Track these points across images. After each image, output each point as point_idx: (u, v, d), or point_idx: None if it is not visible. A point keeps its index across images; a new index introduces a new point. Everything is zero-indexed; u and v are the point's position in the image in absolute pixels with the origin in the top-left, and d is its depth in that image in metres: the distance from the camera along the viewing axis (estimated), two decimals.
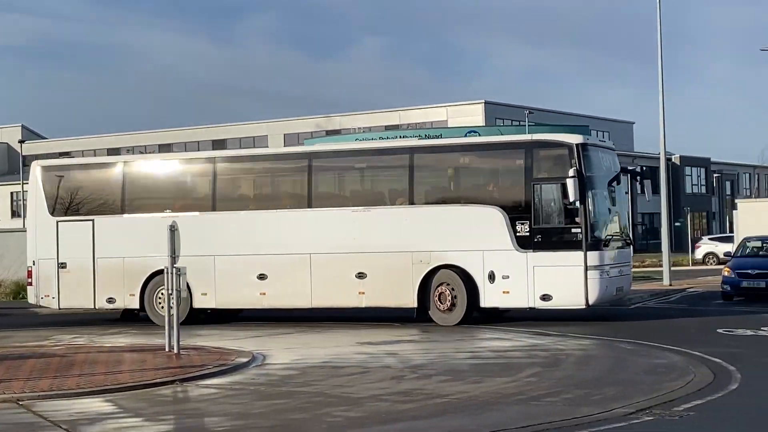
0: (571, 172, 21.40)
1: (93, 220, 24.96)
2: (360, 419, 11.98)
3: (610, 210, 23.58)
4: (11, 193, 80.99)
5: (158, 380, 15.09)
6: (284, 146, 78.42)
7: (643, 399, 12.86)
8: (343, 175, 25.37)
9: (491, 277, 22.46)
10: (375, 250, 23.14)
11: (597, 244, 22.13)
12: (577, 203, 21.54)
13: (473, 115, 67.22)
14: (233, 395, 14.14)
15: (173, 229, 17.72)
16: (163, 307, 22.34)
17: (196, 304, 23.93)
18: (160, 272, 21.69)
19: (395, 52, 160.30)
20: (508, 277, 22.32)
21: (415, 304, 23.03)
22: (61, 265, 25.16)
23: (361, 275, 23.30)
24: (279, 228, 23.91)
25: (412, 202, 23.64)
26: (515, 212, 22.42)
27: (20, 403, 13.45)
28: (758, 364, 16.14)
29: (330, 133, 72.30)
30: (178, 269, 17.54)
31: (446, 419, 11.88)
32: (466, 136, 56.51)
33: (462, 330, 22.16)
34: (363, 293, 23.41)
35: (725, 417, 11.86)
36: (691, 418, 11.64)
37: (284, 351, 19.27)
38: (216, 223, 24.29)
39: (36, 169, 26.38)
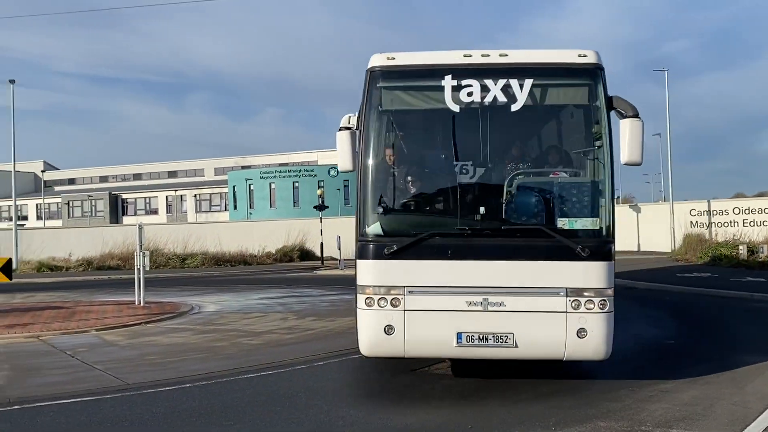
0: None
1: None
2: (260, 345, 11.83)
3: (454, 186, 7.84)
4: (36, 204, 77.30)
5: (131, 322, 14.64)
6: (214, 176, 77.49)
7: None
8: None
9: None
10: None
11: (372, 250, 7.62)
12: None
13: (334, 158, 67.10)
14: (179, 330, 13.77)
15: (140, 227, 17.08)
16: None
17: None
18: None
19: (286, 118, 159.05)
20: None
21: None
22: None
23: None
24: None
25: None
26: None
27: (40, 338, 12.88)
28: None
29: (244, 167, 71.32)
30: (144, 253, 16.94)
31: (314, 344, 11.79)
32: (329, 172, 55.94)
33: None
34: None
35: None
36: None
37: (213, 303, 18.77)
38: None
39: None
